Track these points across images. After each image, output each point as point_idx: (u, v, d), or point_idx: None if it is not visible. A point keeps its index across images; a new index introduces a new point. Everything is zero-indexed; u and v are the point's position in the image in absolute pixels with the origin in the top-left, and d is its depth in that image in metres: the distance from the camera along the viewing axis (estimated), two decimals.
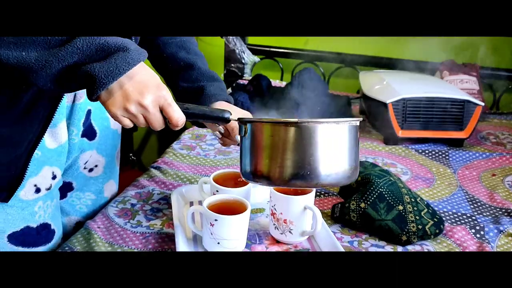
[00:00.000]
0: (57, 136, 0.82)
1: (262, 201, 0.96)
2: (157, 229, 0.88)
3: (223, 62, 1.85)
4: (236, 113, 0.84)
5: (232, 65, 1.82)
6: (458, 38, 1.69)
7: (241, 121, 0.69)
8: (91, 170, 0.95)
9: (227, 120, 0.73)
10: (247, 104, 1.34)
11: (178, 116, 0.67)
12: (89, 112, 0.89)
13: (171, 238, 0.84)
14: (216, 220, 0.78)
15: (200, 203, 0.93)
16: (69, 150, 0.87)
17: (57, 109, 0.75)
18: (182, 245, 0.80)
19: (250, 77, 1.82)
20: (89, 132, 0.90)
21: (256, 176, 0.66)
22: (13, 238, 0.80)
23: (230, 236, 0.79)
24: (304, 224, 0.83)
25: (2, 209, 0.78)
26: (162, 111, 0.66)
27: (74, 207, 0.95)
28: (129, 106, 0.64)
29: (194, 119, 0.73)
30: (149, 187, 1.02)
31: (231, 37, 1.78)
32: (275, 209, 0.84)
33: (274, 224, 0.85)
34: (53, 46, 0.59)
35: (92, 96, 0.62)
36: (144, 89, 0.64)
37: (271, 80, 1.74)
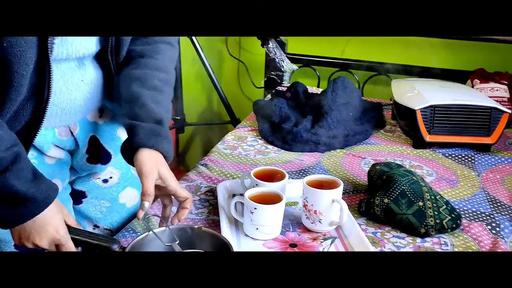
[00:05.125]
0: (53, 154, 0.89)
1: (296, 195, 1.08)
2: (205, 216, 1.02)
3: (264, 70, 1.98)
4: (156, 174, 0.81)
5: (272, 73, 1.95)
6: (489, 47, 1.75)
7: None
8: (105, 181, 1.01)
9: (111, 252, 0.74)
10: (284, 109, 1.47)
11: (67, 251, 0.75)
12: (93, 139, 0.94)
13: (216, 223, 0.98)
14: (255, 208, 0.91)
15: (242, 195, 1.07)
16: (79, 167, 0.95)
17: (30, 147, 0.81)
18: (226, 230, 0.94)
19: (289, 84, 1.95)
20: (102, 156, 0.96)
21: None
22: (19, 246, 0.84)
23: (267, 223, 0.92)
24: (332, 215, 0.95)
25: None
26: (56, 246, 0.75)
27: (90, 213, 1.02)
28: (27, 244, 0.74)
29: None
30: (197, 181, 1.17)
31: (271, 46, 1.91)
32: (306, 201, 0.96)
33: (306, 215, 0.97)
34: None
35: (2, 228, 0.73)
36: (42, 233, 0.73)
37: (308, 87, 1.86)
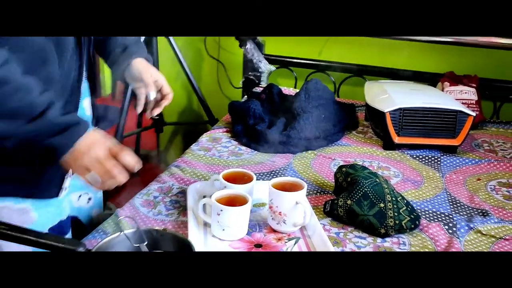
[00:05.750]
0: None
1: (264, 197, 1.11)
2: (175, 217, 1.05)
3: (242, 70, 2.01)
4: (151, 72, 1.03)
5: (250, 73, 1.98)
6: (459, 50, 1.80)
7: None
8: None
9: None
10: (258, 111, 1.50)
11: (130, 160, 0.82)
12: None
13: (185, 225, 1.01)
14: (221, 210, 0.94)
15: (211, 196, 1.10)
16: None
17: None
18: (194, 231, 0.97)
19: (266, 85, 1.99)
20: None
21: None
22: (52, 230, 0.97)
23: (233, 224, 0.95)
24: (295, 216, 0.99)
25: (45, 208, 0.95)
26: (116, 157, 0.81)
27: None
28: (87, 162, 0.80)
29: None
30: (170, 182, 1.20)
31: (249, 47, 1.94)
32: (272, 203, 0.99)
33: (271, 216, 1.00)
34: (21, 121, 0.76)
35: (59, 160, 0.80)
36: (97, 146, 0.81)
37: (285, 87, 1.89)
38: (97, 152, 0.80)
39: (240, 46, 1.97)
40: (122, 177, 0.82)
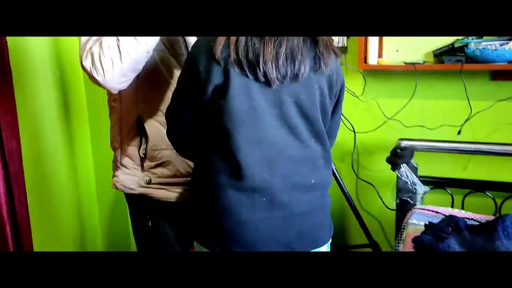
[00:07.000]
0: None
1: None
2: None
3: (395, 191, 2.04)
4: None
5: (405, 195, 2.01)
6: None
7: None
8: None
9: None
10: (457, 250, 1.50)
11: None
12: None
13: None
14: None
15: None
16: None
17: None
18: None
19: (421, 205, 2.00)
20: None
21: None
22: None
23: None
24: None
25: None
26: None
27: None
28: None
29: None
30: None
31: (403, 170, 1.99)
32: None
33: None
34: None
35: None
36: None
37: (442, 207, 1.90)
38: None
39: (393, 169, 2.02)
40: None
